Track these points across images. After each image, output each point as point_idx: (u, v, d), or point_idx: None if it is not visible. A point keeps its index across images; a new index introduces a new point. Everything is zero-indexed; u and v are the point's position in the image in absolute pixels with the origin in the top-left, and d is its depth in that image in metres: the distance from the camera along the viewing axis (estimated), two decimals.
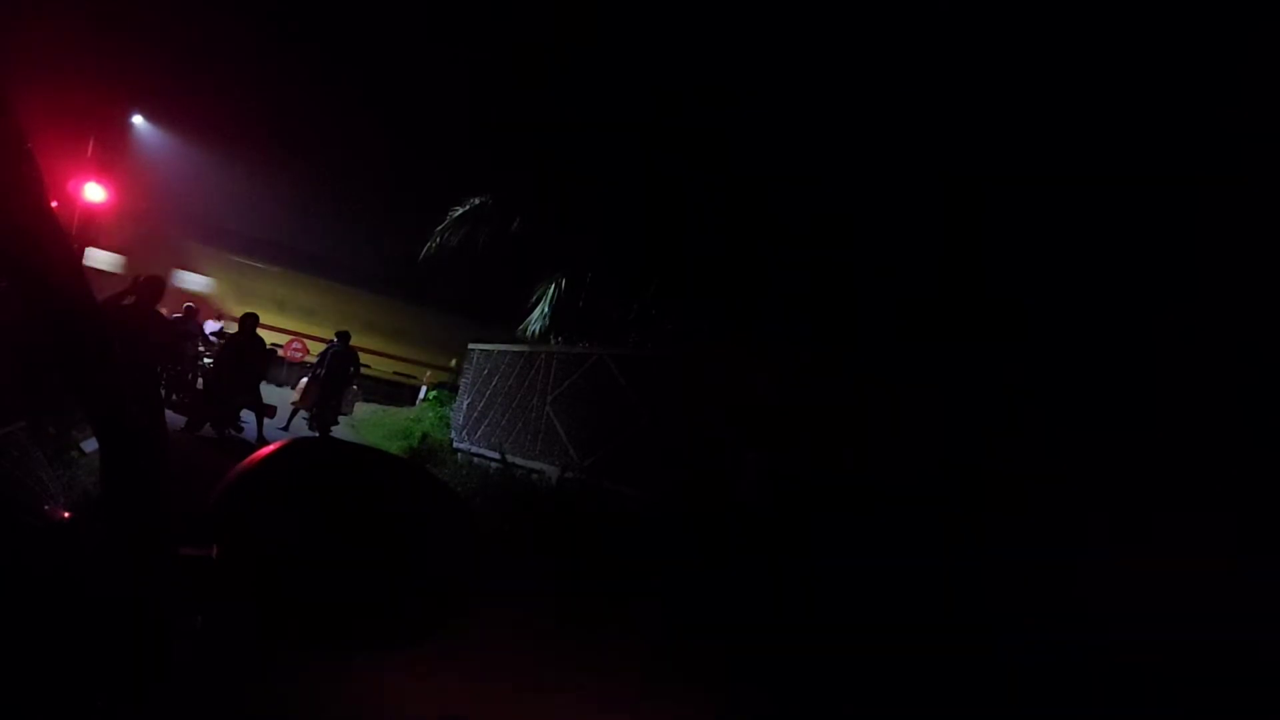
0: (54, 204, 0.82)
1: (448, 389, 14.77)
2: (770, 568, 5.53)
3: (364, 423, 14.65)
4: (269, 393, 11.37)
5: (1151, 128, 5.63)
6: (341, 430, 12.67)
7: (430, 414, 14.26)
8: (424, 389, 17.85)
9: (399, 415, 15.57)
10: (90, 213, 14.00)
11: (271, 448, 0.67)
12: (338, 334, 12.17)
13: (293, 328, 20.77)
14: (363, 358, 13.54)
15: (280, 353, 17.94)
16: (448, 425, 12.53)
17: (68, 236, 0.80)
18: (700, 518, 6.55)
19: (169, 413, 9.93)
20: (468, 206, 11.93)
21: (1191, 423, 4.58)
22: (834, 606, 4.85)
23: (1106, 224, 5.68)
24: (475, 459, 10.67)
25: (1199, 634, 3.93)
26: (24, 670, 0.58)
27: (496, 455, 10.12)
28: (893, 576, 4.93)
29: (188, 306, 11.67)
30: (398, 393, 20.09)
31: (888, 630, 4.40)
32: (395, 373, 22.11)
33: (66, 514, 0.87)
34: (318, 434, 10.74)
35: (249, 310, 10.96)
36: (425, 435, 12.43)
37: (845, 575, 5.14)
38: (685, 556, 5.90)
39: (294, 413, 12.33)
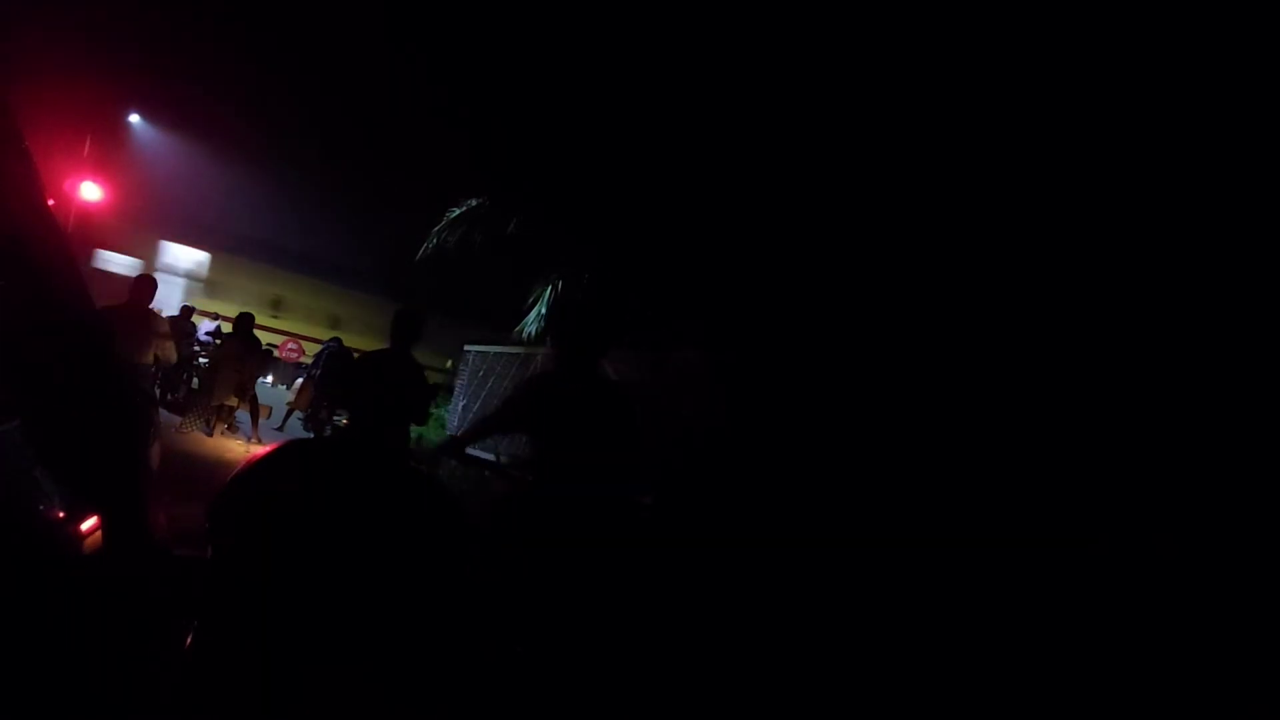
0: (51, 203, 0.82)
1: (443, 390, 14.72)
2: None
3: None
4: (264, 393, 11.33)
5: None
6: None
7: None
8: None
9: None
10: (87, 211, 13.98)
11: (266, 449, 0.67)
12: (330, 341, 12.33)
13: (288, 328, 20.76)
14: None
15: (276, 353, 17.92)
16: (443, 427, 12.50)
17: (64, 235, 0.80)
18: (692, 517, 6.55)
19: (163, 412, 9.90)
20: (464, 208, 11.90)
21: None
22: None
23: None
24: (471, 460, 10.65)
25: None
26: (23, 668, 0.58)
27: (492, 457, 10.10)
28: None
29: (184, 306, 11.65)
30: None
31: None
32: None
33: (61, 513, 0.86)
34: (313, 435, 10.73)
35: (244, 310, 10.96)
36: (420, 437, 12.40)
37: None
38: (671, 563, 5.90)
39: (289, 413, 12.32)
